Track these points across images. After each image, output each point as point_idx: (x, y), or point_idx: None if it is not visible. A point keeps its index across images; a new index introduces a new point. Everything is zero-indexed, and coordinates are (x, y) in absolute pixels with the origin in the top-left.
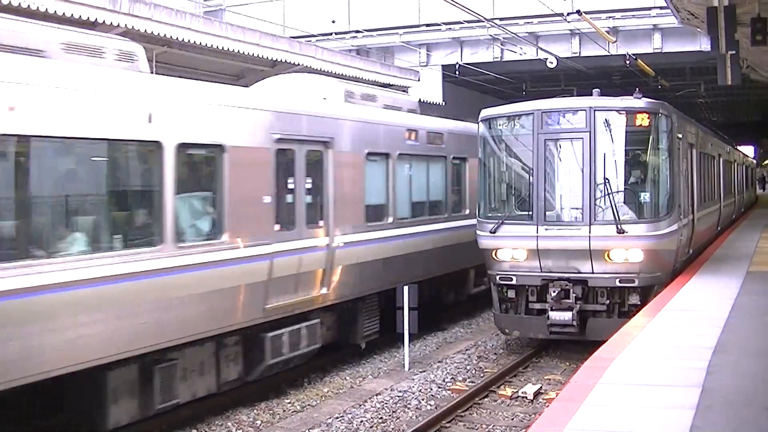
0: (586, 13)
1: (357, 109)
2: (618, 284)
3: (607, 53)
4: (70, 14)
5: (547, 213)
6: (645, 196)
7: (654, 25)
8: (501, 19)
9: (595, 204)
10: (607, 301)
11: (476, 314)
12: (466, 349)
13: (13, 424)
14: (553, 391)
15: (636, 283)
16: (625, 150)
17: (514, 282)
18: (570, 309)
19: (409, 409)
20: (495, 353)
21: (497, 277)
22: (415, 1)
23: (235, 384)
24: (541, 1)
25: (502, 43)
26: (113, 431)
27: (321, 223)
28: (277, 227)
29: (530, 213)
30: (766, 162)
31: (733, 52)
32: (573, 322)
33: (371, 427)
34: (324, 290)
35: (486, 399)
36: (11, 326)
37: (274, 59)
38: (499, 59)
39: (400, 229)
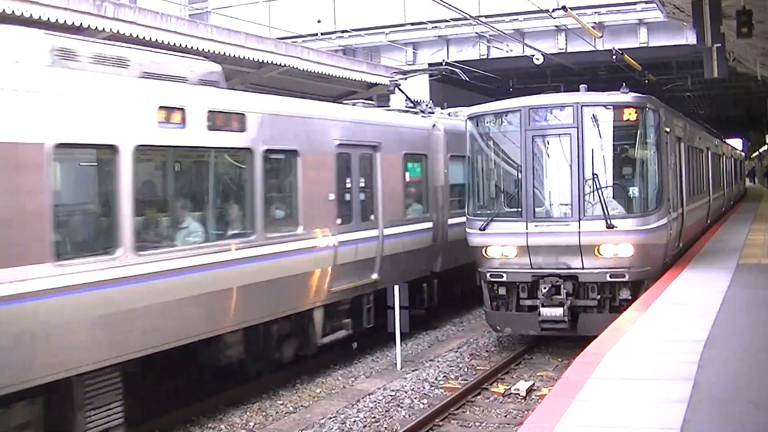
0: (571, 8)
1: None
2: (608, 279)
3: (594, 49)
4: (55, 19)
5: (537, 209)
6: (634, 191)
7: (640, 19)
8: (487, 16)
9: (584, 199)
10: (598, 297)
11: (467, 312)
12: (458, 347)
13: None
14: (545, 387)
15: (626, 278)
16: (613, 145)
17: (504, 279)
18: (561, 305)
19: (402, 408)
20: (487, 351)
21: (488, 275)
22: (400, 0)
23: None
24: None
25: (488, 40)
26: None
27: None
28: None
29: (519, 210)
30: (754, 155)
31: (719, 45)
32: (564, 318)
33: (364, 426)
34: None
35: (479, 396)
36: None
37: (260, 61)
38: (485, 57)
39: (143, 266)
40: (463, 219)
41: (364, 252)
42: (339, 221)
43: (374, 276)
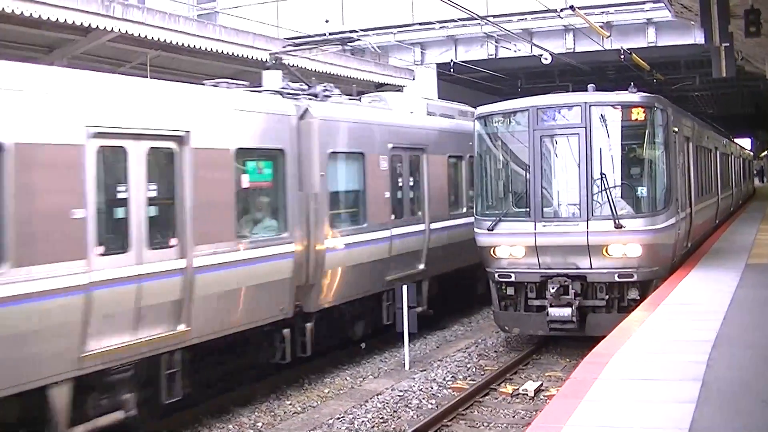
0: (579, 8)
1: None
2: (617, 279)
3: (602, 48)
4: (64, 20)
5: (545, 209)
6: (642, 191)
7: (648, 19)
8: (495, 16)
9: (593, 199)
10: (606, 297)
11: (476, 312)
12: (467, 348)
13: None
14: (553, 387)
15: (635, 278)
16: (621, 145)
17: (512, 279)
18: (569, 305)
19: (410, 408)
20: (495, 351)
21: (496, 275)
22: (408, 0)
23: None
24: None
25: (497, 40)
26: None
27: None
28: None
29: (527, 210)
30: (763, 154)
31: (727, 44)
32: (572, 318)
33: (372, 427)
34: None
35: (487, 397)
36: None
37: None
38: (493, 56)
39: None
40: (353, 238)
41: (156, 293)
42: (99, 251)
43: (180, 327)
